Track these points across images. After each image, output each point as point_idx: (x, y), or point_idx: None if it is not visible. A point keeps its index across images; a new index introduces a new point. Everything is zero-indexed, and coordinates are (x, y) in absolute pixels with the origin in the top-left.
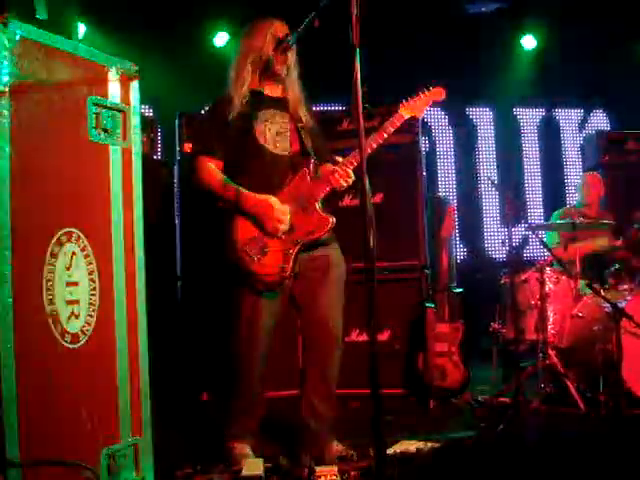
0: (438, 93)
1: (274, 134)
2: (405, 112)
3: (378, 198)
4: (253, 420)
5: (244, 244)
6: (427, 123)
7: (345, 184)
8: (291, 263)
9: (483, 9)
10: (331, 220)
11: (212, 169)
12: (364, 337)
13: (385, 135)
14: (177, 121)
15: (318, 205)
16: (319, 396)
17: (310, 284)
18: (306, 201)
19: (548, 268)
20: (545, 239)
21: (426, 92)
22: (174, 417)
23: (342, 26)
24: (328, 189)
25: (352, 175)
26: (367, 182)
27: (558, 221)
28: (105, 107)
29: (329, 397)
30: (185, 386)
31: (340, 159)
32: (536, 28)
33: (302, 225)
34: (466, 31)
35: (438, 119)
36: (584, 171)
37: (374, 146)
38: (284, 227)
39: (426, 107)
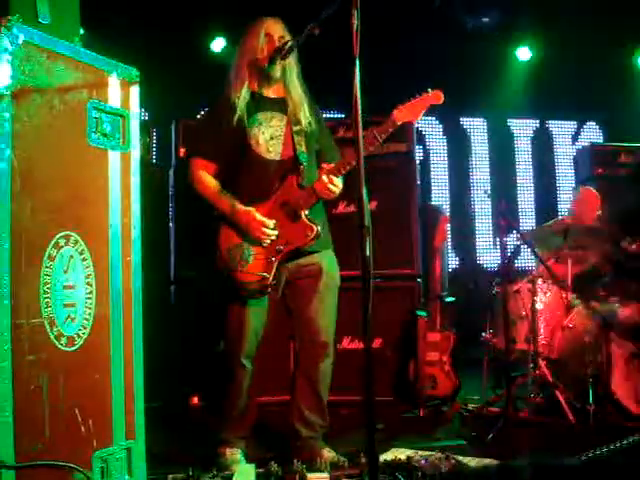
0: (435, 96)
1: (268, 138)
2: (399, 117)
3: (372, 206)
4: (244, 425)
5: (229, 250)
6: (421, 132)
7: (330, 193)
8: (273, 271)
9: (484, 20)
10: (315, 229)
11: (204, 173)
12: (355, 345)
13: (377, 143)
14: (173, 126)
15: (305, 214)
16: (309, 405)
17: (301, 291)
18: (292, 209)
19: (540, 279)
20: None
21: (423, 95)
22: (166, 421)
23: (340, 35)
24: (314, 198)
25: (339, 184)
26: (364, 191)
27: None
28: (105, 112)
29: (319, 406)
30: (177, 390)
31: (326, 166)
32: (531, 40)
33: (286, 233)
34: (462, 42)
35: (432, 129)
36: (577, 183)
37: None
38: (268, 239)
39: (423, 111)
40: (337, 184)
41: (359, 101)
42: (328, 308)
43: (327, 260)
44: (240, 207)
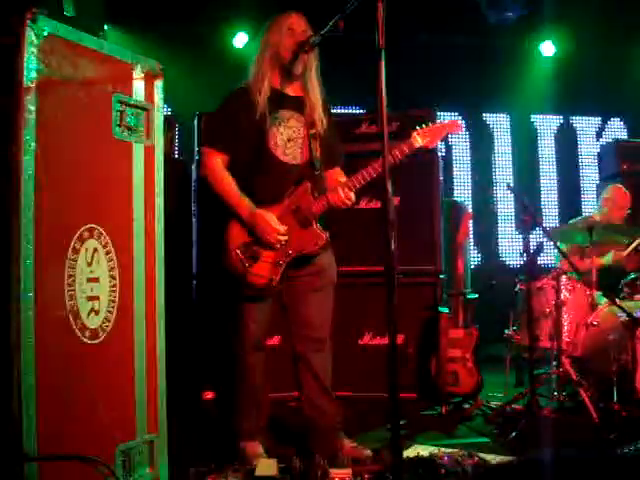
0: (454, 126)
1: (285, 140)
2: (416, 141)
3: (395, 202)
4: (259, 419)
5: (237, 248)
6: None
7: (343, 206)
8: (279, 274)
9: (508, 14)
10: (325, 237)
11: (217, 164)
12: (377, 341)
13: (392, 161)
14: (195, 121)
15: (315, 221)
16: (317, 393)
17: (299, 288)
18: (304, 216)
19: (564, 276)
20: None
21: (443, 123)
22: (186, 415)
23: (363, 29)
24: (326, 208)
25: (353, 198)
26: (390, 188)
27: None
28: (129, 105)
29: (327, 394)
30: (198, 384)
31: (344, 179)
32: (555, 35)
33: (296, 239)
34: (485, 37)
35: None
36: (601, 179)
37: (379, 171)
38: (279, 245)
39: (440, 139)
40: (352, 198)
41: (384, 94)
42: (325, 304)
43: (326, 258)
44: (258, 210)
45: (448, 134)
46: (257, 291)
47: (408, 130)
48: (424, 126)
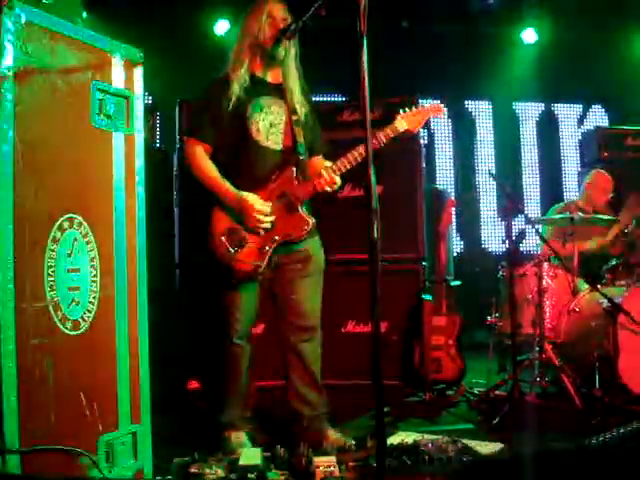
0: (437, 109)
1: (267, 126)
2: (400, 125)
3: (377, 190)
4: (245, 407)
5: (223, 234)
6: None
7: (329, 189)
8: (266, 260)
9: (489, 2)
10: (311, 222)
11: (198, 153)
12: (360, 328)
13: (376, 146)
14: (177, 108)
15: (301, 206)
16: (304, 383)
17: (288, 276)
18: (290, 201)
19: (546, 263)
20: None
21: (426, 106)
22: (168, 405)
23: (344, 16)
24: (312, 192)
25: (338, 181)
26: (373, 175)
27: (556, 216)
28: (109, 93)
29: (315, 384)
30: (181, 374)
31: (329, 163)
32: (537, 22)
33: (282, 225)
34: (467, 24)
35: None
36: (582, 166)
37: (364, 155)
38: (264, 226)
39: (423, 122)
40: (337, 182)
41: (366, 81)
42: (314, 291)
43: (313, 245)
44: (242, 193)
45: (431, 117)
46: (243, 278)
47: (391, 117)
48: (408, 110)
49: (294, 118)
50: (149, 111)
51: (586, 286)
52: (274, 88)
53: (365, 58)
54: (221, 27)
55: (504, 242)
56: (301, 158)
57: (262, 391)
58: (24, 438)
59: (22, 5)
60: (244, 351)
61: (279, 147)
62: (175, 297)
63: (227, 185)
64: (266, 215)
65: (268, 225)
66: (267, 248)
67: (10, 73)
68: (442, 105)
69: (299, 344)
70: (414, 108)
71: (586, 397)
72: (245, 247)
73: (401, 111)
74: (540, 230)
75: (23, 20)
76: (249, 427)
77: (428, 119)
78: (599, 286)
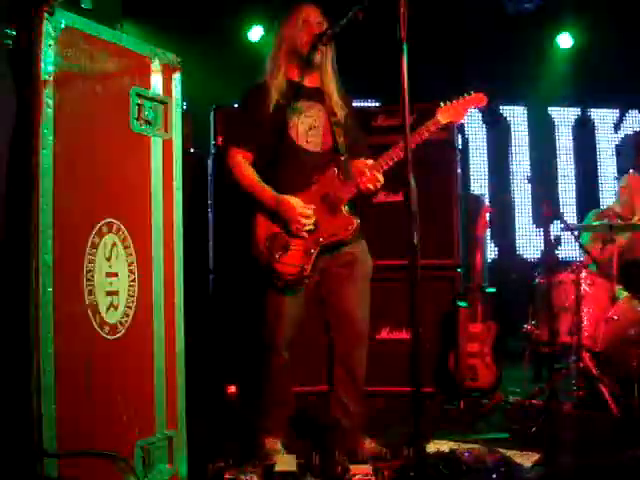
0: (479, 99)
1: (307, 128)
2: (442, 117)
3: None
4: (282, 414)
5: (266, 240)
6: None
7: (373, 188)
8: (312, 263)
9: (526, 5)
10: (355, 222)
11: (241, 161)
12: (394, 335)
13: (419, 140)
14: (212, 115)
15: (344, 206)
16: (349, 394)
17: (336, 281)
18: (332, 202)
19: (584, 270)
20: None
21: (466, 96)
22: (204, 411)
23: (381, 22)
24: (355, 192)
25: (381, 179)
26: (412, 179)
27: (594, 222)
28: (147, 98)
29: (359, 395)
30: (215, 379)
31: (371, 162)
32: (573, 26)
33: (326, 226)
34: (502, 29)
35: (471, 117)
36: (619, 172)
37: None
38: (307, 228)
39: (465, 113)
40: (380, 179)
41: (406, 87)
42: (363, 297)
43: (361, 249)
44: (284, 196)
45: (474, 108)
46: (289, 281)
47: (424, 122)
48: (448, 102)
49: (333, 119)
50: (184, 116)
51: (625, 293)
52: (312, 92)
53: (405, 64)
54: (255, 33)
55: (543, 249)
56: (342, 158)
57: (296, 397)
58: (62, 442)
59: (62, 11)
60: (287, 362)
61: (319, 149)
62: (209, 302)
63: (268, 190)
64: (308, 217)
65: (311, 227)
66: (312, 251)
67: (51, 78)
68: (483, 95)
69: (349, 349)
70: (454, 100)
71: (624, 407)
72: (290, 251)
73: (441, 104)
74: (580, 237)
75: (63, 25)
76: (284, 433)
77: (470, 109)
78: (638, 294)
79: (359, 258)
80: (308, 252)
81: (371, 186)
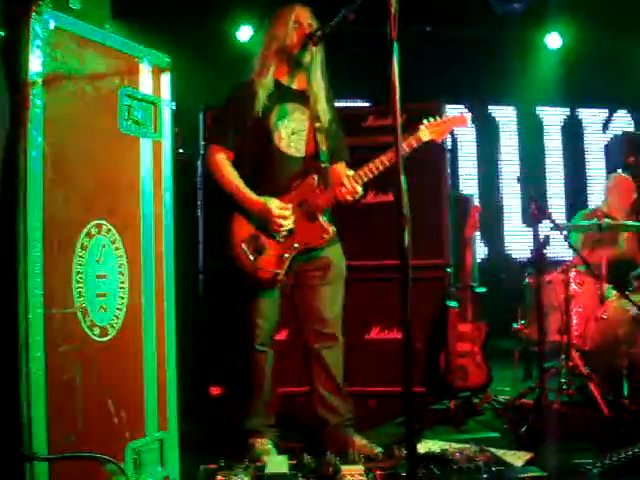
0: (461, 120)
1: (290, 133)
2: (424, 135)
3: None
4: (269, 413)
5: (242, 241)
6: None
7: (350, 199)
8: (285, 267)
9: (515, 6)
10: (331, 231)
11: (221, 160)
12: (384, 335)
13: (403, 151)
14: (201, 115)
15: (321, 215)
16: (328, 388)
17: (308, 282)
18: (310, 209)
19: (573, 269)
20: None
21: (450, 117)
22: (192, 412)
23: (371, 22)
24: (333, 202)
25: (360, 191)
26: (403, 180)
27: (583, 222)
28: (137, 99)
29: (338, 390)
30: (206, 380)
31: (351, 173)
32: (561, 27)
33: (302, 232)
34: (491, 29)
35: None
36: (608, 172)
37: (386, 164)
38: (285, 229)
39: (447, 133)
40: (358, 190)
41: (397, 87)
42: (334, 299)
43: (334, 252)
44: (262, 197)
45: (455, 128)
46: (262, 285)
47: (415, 122)
48: (432, 120)
49: (317, 125)
50: (175, 117)
51: (614, 293)
52: (298, 94)
53: (396, 64)
54: (244, 33)
55: (534, 249)
56: (323, 166)
57: (286, 398)
58: (52, 445)
59: (51, 11)
60: (267, 357)
61: (301, 154)
62: (199, 303)
63: (247, 190)
64: (285, 218)
65: (290, 226)
66: (286, 256)
67: (39, 79)
68: (466, 116)
69: (321, 351)
70: (438, 118)
71: (613, 405)
72: (264, 254)
73: (425, 121)
74: (569, 237)
75: (52, 26)
76: (274, 434)
77: (452, 129)
78: (627, 293)
79: (333, 262)
80: (282, 257)
81: (349, 197)
